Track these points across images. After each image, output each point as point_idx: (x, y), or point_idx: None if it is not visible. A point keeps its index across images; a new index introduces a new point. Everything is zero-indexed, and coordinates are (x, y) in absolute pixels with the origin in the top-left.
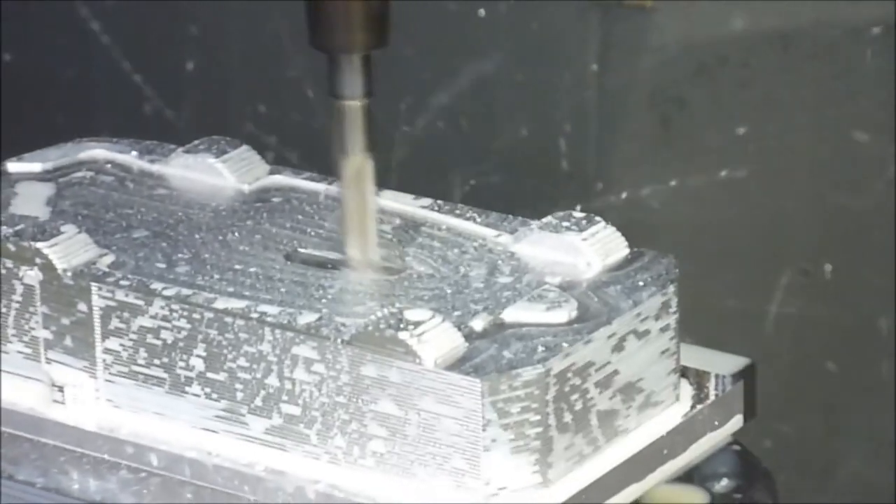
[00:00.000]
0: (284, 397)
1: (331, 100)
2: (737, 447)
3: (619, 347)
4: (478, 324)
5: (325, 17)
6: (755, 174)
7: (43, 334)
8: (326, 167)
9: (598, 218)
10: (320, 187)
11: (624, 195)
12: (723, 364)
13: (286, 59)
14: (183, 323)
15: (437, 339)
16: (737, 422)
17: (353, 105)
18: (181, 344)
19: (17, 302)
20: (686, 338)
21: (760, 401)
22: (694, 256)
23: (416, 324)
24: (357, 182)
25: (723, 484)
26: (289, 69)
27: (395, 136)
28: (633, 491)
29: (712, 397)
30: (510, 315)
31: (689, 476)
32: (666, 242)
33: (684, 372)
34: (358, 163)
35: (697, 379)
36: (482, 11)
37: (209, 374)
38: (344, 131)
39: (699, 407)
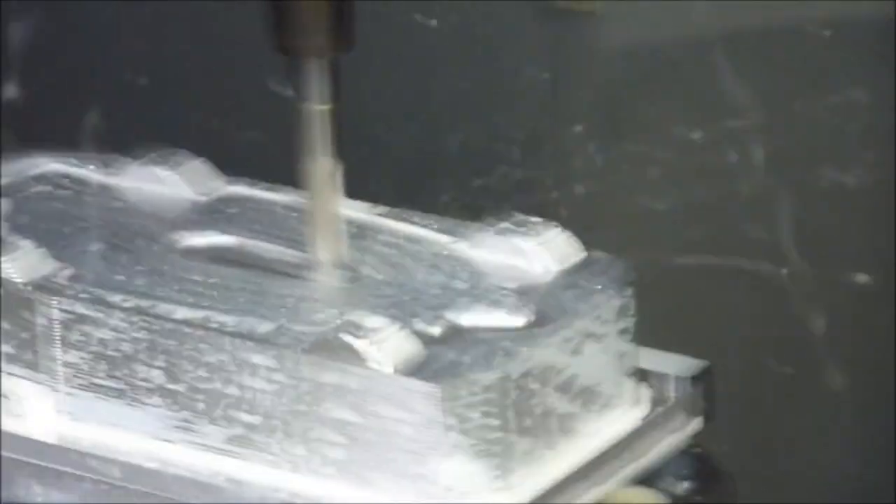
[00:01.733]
0: (244, 406)
1: (298, 104)
2: (697, 450)
3: (576, 351)
4: (435, 329)
5: (292, 19)
6: (710, 183)
7: (3, 349)
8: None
9: (553, 223)
10: (276, 197)
11: (578, 199)
12: (681, 366)
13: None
14: (142, 334)
15: (396, 346)
16: (696, 424)
17: (322, 109)
18: (140, 355)
19: None
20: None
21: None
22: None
23: (375, 331)
24: (325, 187)
25: (683, 486)
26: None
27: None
28: (594, 494)
29: (672, 400)
30: (467, 320)
31: (649, 479)
32: (621, 246)
33: (643, 375)
34: (327, 167)
35: (657, 381)
36: (434, 22)
37: (168, 385)
38: (312, 136)
39: (659, 409)
